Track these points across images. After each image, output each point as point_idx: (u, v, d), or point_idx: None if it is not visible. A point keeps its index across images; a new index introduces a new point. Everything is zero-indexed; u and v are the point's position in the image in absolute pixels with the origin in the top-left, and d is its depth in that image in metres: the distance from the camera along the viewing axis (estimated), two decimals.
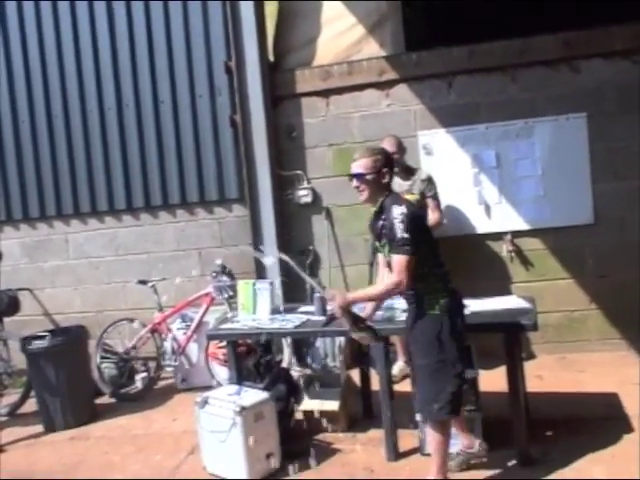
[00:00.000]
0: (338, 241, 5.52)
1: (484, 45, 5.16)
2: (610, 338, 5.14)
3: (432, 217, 4.73)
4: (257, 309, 4.20)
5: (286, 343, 5.17)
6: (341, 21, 5.38)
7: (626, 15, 4.91)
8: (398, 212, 2.98)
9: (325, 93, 5.42)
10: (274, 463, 3.70)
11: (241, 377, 4.03)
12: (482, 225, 5.27)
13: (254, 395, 3.72)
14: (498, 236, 5.24)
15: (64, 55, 5.84)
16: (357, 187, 3.14)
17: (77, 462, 4.22)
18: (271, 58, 5.54)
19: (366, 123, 5.37)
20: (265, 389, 3.87)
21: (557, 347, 5.19)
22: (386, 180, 3.12)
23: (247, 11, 5.29)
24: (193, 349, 5.35)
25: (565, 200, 5.13)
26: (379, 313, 3.73)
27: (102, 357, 5.39)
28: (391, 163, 3.19)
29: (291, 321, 3.98)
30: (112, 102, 5.77)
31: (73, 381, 4.87)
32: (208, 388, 5.01)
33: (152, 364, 5.46)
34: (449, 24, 5.98)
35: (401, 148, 4.78)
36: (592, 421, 3.90)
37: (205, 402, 3.75)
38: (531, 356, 5.18)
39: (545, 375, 4.72)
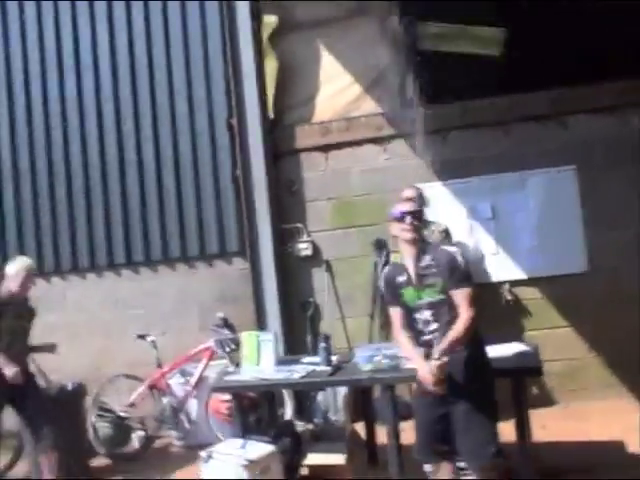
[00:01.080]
0: (338, 293, 5.61)
1: (476, 102, 5.42)
2: (611, 385, 5.20)
3: None
4: (261, 360, 4.22)
5: (288, 396, 5.17)
6: (340, 79, 5.63)
7: (611, 72, 5.20)
8: (453, 249, 3.12)
9: (324, 148, 5.63)
10: None
11: (246, 430, 4.02)
12: (480, 275, 5.38)
13: (260, 448, 3.72)
14: (496, 286, 5.35)
15: (67, 109, 6.05)
16: (410, 226, 3.14)
17: None
18: (271, 115, 5.75)
19: (365, 177, 5.57)
20: (271, 442, 3.86)
21: (560, 396, 5.23)
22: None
23: (248, 69, 5.52)
24: (193, 405, 5.32)
25: (559, 250, 5.29)
26: (385, 362, 3.78)
27: (98, 415, 5.33)
28: None
29: (297, 372, 4.00)
30: (114, 157, 5.95)
31: (68, 441, 4.80)
32: (208, 446, 5.00)
33: (150, 422, 5.40)
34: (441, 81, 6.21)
35: (421, 198, 4.88)
36: (598, 469, 3.92)
37: (210, 456, 3.73)
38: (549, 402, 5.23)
39: (549, 425, 4.73)
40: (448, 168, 5.42)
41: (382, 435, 4.52)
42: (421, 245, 3.16)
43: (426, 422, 3.23)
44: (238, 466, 3.53)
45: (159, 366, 5.33)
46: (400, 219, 3.15)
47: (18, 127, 6.14)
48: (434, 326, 3.12)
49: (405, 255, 3.21)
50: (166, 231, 5.82)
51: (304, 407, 5.37)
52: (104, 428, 5.30)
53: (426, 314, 3.14)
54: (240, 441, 3.82)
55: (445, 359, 2.99)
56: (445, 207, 5.38)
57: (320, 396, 5.29)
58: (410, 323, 3.17)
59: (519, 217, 5.33)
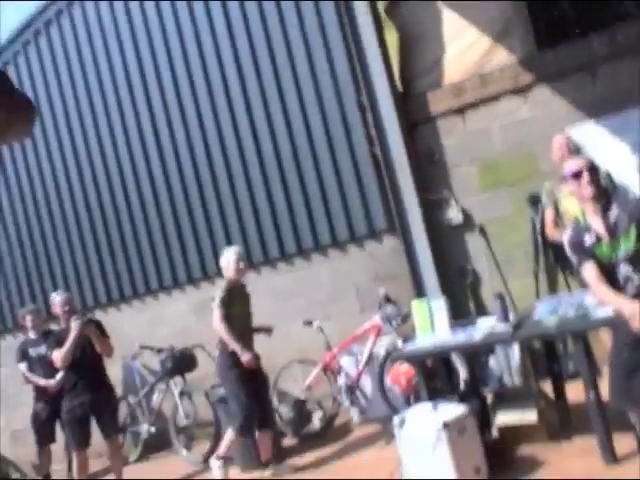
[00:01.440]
0: (496, 257, 5.47)
1: (622, 29, 5.00)
2: None
3: None
4: (436, 327, 4.23)
5: (460, 365, 5.13)
6: (465, 35, 5.49)
7: None
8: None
9: (460, 110, 5.52)
10: (483, 475, 3.65)
11: (432, 396, 4.05)
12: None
13: (453, 409, 3.73)
14: None
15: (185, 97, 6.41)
16: (589, 181, 3.03)
17: None
18: (400, 87, 5.73)
19: (507, 132, 5.39)
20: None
21: None
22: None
23: (371, 47, 5.56)
24: (366, 382, 5.44)
25: None
26: (570, 311, 3.65)
27: (279, 400, 5.61)
28: None
29: (475, 333, 3.97)
30: (251, 151, 6.23)
31: (261, 420, 5.08)
32: (385, 419, 5.09)
33: (327, 402, 5.59)
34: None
35: (573, 145, 4.68)
36: None
37: (403, 422, 3.79)
38: None
39: None
40: (600, 105, 5.09)
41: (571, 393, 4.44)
42: (604, 197, 3.01)
43: (630, 366, 3.06)
44: (436, 428, 3.56)
45: (329, 349, 5.51)
46: (576, 176, 3.03)
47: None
48: (637, 281, 2.94)
49: (589, 212, 3.06)
50: (313, 219, 5.98)
51: (477, 375, 5.31)
52: (286, 411, 5.58)
53: (625, 269, 2.97)
54: (430, 405, 3.85)
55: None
56: (604, 147, 5.08)
57: (492, 361, 5.20)
58: (610, 284, 3.00)
59: None
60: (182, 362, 6.02)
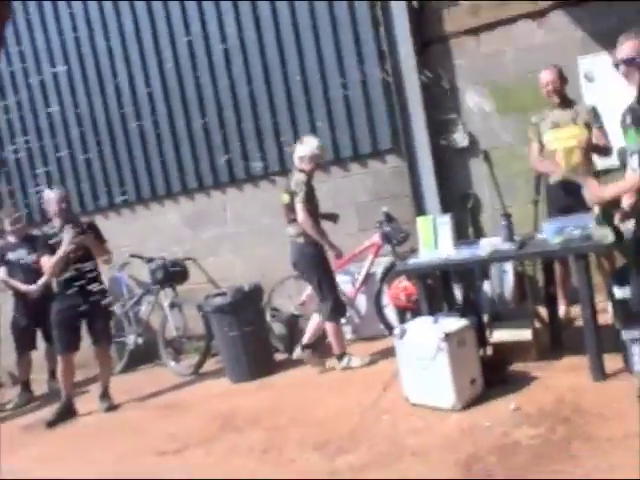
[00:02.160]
0: (498, 183, 5.59)
1: None
2: None
3: (602, 146, 4.67)
4: (439, 243, 4.37)
5: (457, 285, 5.31)
6: None
7: None
8: None
9: (475, 31, 5.51)
10: (478, 388, 3.88)
11: (432, 311, 4.22)
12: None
13: (454, 322, 3.92)
14: None
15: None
16: (626, 75, 3.04)
17: (276, 404, 4.61)
18: (415, 4, 5.66)
19: (521, 57, 5.41)
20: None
21: None
22: None
23: None
24: (362, 301, 5.62)
25: None
26: (576, 232, 3.81)
27: (272, 315, 5.78)
28: None
29: (480, 250, 4.12)
30: (256, 59, 6.14)
31: (254, 335, 5.28)
32: (378, 338, 5.31)
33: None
34: None
35: (562, 77, 4.76)
36: None
37: (404, 332, 3.97)
38: None
39: None
40: (615, 36, 5.12)
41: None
42: None
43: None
44: (436, 338, 3.74)
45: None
46: (630, 62, 3.00)
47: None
48: None
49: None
50: (315, 132, 5.97)
51: (470, 300, 5.51)
52: (279, 327, 5.76)
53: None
54: (431, 318, 4.04)
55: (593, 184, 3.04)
56: (612, 79, 5.11)
57: (486, 286, 5.40)
58: None
59: None
60: (173, 273, 6.03)
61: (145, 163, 6.71)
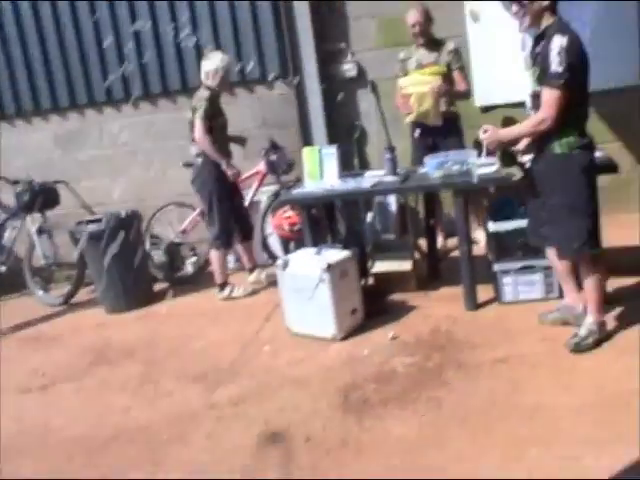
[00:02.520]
0: (384, 115, 5.52)
1: None
2: None
3: (459, 88, 4.72)
4: (325, 174, 4.27)
5: (341, 216, 5.27)
6: None
7: None
8: (557, 43, 2.91)
9: None
10: (359, 318, 3.89)
11: (316, 241, 4.15)
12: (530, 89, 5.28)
13: (337, 253, 3.86)
14: None
15: None
16: (516, 14, 3.07)
17: (153, 336, 4.40)
18: None
19: None
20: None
21: (604, 208, 5.26)
22: (546, 3, 2.99)
23: None
24: None
25: (613, 62, 5.10)
26: (455, 168, 3.83)
27: (152, 243, 5.50)
28: None
29: (364, 182, 4.06)
30: None
31: (132, 262, 4.99)
32: (263, 266, 5.19)
33: (202, 248, 5.56)
34: None
35: (428, 18, 4.69)
36: None
37: (287, 263, 3.88)
38: None
39: None
40: None
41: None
42: (547, 26, 3.03)
43: (531, 209, 3.39)
44: (318, 269, 3.68)
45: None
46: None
47: None
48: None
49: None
50: (200, 56, 5.57)
51: (353, 231, 5.52)
52: (159, 255, 5.49)
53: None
54: (314, 249, 3.96)
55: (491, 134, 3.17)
56: (496, 20, 5.13)
57: (369, 218, 5.40)
58: None
59: (574, 28, 5.10)
60: (42, 197, 5.47)
61: (9, 76, 6.00)
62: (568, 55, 2.91)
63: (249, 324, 4.28)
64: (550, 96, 2.97)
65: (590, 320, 3.24)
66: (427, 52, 4.72)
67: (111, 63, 5.78)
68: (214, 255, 4.83)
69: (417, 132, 4.79)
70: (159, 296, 5.24)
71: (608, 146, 5.20)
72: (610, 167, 3.65)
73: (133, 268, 4.97)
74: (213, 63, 4.62)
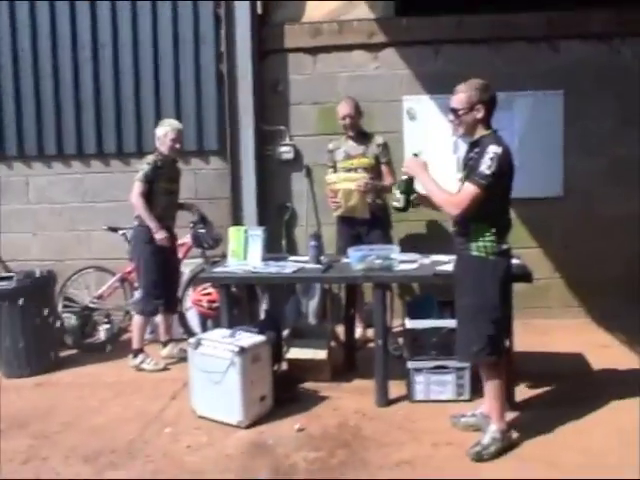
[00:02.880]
0: (316, 200, 5.57)
1: (472, 17, 5.34)
2: (570, 306, 5.50)
3: (386, 182, 4.76)
4: (248, 255, 4.20)
5: (263, 297, 5.18)
6: None
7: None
8: (493, 150, 3.02)
9: (313, 50, 5.46)
10: (267, 406, 3.74)
11: (231, 322, 4.02)
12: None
13: (251, 337, 3.74)
14: None
15: None
16: (452, 121, 3.19)
17: (50, 406, 4.09)
18: (259, 10, 5.49)
19: (353, 84, 5.44)
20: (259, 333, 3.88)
21: (521, 313, 5.39)
22: (481, 115, 3.11)
23: None
24: None
25: (538, 172, 5.39)
26: (377, 262, 3.84)
27: (64, 306, 5.24)
28: (491, 99, 3.16)
29: (287, 267, 4.01)
30: (87, 40, 5.56)
31: (38, 326, 4.70)
32: (178, 340, 4.99)
33: (117, 315, 5.33)
34: None
35: (358, 111, 4.81)
36: (565, 376, 4.19)
37: (199, 343, 3.73)
38: None
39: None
40: (438, 82, 5.36)
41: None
42: (482, 135, 3.16)
43: None
44: (230, 352, 3.54)
45: (131, 260, 5.21)
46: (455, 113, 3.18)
47: None
48: None
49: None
50: (141, 123, 5.55)
51: (278, 309, 5.42)
52: (70, 319, 5.21)
53: None
54: (229, 330, 3.83)
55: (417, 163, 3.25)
56: (431, 121, 5.37)
57: (293, 300, 5.33)
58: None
59: (503, 136, 5.34)
60: None
61: None
62: (499, 164, 3.01)
63: (154, 401, 4.05)
64: (468, 190, 3.04)
65: (493, 428, 3.22)
66: (355, 144, 4.80)
67: (47, 117, 5.65)
68: (135, 319, 4.68)
69: (343, 225, 4.87)
70: (65, 363, 4.92)
71: (529, 252, 5.42)
72: (524, 276, 3.70)
73: (38, 331, 4.67)
74: (163, 129, 4.60)
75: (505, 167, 3.07)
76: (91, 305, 5.23)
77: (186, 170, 5.60)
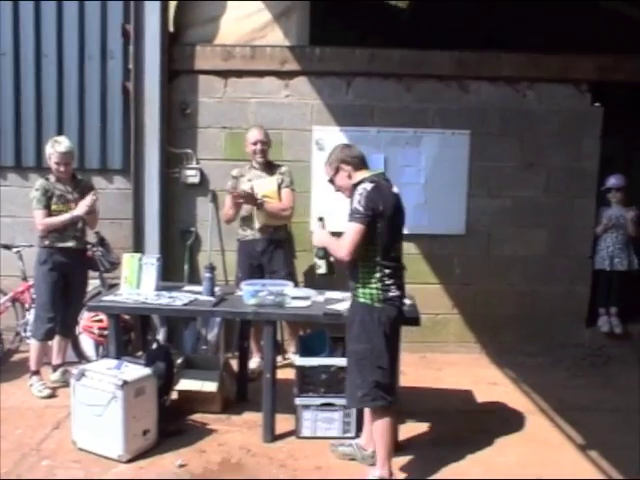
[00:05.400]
0: (221, 225, 5.75)
1: (385, 51, 5.69)
2: (466, 341, 5.91)
3: (281, 204, 5.05)
4: (142, 284, 4.35)
5: (160, 323, 5.33)
6: (248, 3, 5.62)
7: (512, 44, 5.69)
8: (362, 187, 3.30)
9: (224, 74, 5.64)
10: (150, 440, 3.90)
11: (120, 352, 4.16)
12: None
13: (136, 370, 3.89)
14: None
15: None
16: (337, 191, 3.55)
17: None
18: (171, 28, 5.65)
19: (263, 110, 5.67)
20: (145, 365, 4.03)
21: (419, 346, 5.78)
22: (348, 170, 3.43)
23: None
24: None
25: (442, 210, 5.79)
26: (269, 298, 4.07)
27: None
28: (350, 152, 3.47)
29: (179, 299, 4.18)
30: None
31: None
32: (71, 363, 5.07)
33: (8, 336, 5.35)
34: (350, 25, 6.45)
35: (268, 139, 5.11)
36: (451, 413, 4.54)
37: (82, 374, 3.85)
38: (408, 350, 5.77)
39: (407, 371, 5.30)
40: (348, 114, 5.69)
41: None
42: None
43: None
44: (112, 385, 3.69)
45: (24, 279, 5.26)
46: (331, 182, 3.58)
47: None
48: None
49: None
50: (42, 137, 5.56)
51: (174, 336, 5.58)
52: None
53: None
54: (115, 362, 3.97)
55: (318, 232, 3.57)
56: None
57: (191, 328, 5.50)
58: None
59: (409, 173, 5.73)
60: None
61: None
62: (368, 198, 3.26)
63: (35, 431, 4.13)
64: (348, 229, 3.30)
65: (376, 473, 3.47)
66: (260, 172, 5.08)
67: None
68: (31, 341, 4.83)
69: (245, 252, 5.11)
70: None
71: (430, 287, 5.83)
72: (412, 320, 3.90)
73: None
74: (48, 149, 4.66)
75: (379, 202, 3.27)
76: None
77: None
